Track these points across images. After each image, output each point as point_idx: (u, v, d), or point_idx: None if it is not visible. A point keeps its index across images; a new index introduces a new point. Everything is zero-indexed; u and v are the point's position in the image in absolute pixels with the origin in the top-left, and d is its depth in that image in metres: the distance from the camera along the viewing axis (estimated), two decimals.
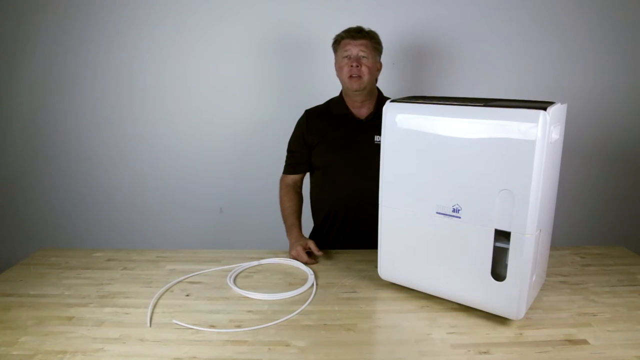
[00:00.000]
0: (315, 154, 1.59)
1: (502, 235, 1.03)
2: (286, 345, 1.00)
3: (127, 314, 1.12)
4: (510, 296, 1.04)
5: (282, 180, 1.68)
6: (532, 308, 1.13)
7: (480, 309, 1.11)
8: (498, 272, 1.07)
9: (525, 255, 1.01)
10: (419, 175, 1.12)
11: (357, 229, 1.58)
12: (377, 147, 1.52)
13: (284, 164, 1.69)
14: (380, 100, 1.60)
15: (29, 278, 1.31)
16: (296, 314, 1.12)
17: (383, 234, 1.22)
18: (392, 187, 1.18)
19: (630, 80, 2.17)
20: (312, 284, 1.27)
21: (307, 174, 1.69)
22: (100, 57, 2.15)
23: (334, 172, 1.56)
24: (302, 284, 1.26)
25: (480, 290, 1.09)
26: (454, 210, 1.08)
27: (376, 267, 1.36)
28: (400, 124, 1.14)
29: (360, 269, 1.37)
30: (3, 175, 2.29)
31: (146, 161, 2.26)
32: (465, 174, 1.05)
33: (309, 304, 1.17)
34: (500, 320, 1.09)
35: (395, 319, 1.12)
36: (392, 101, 1.17)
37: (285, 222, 1.58)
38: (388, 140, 1.16)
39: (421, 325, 1.08)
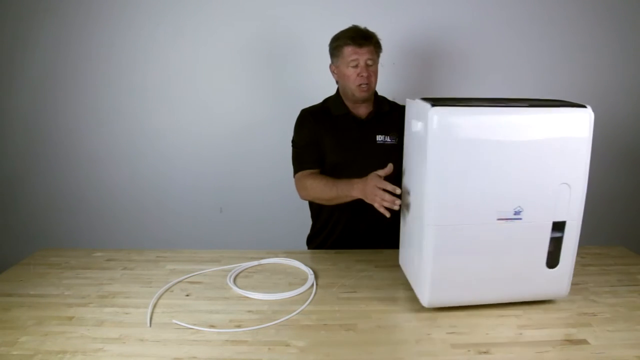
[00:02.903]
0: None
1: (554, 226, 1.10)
2: (286, 345, 1.00)
3: (127, 314, 1.12)
4: (561, 279, 1.13)
5: (300, 178, 1.52)
6: (532, 308, 1.14)
7: (531, 299, 1.15)
8: (549, 260, 1.12)
9: (575, 239, 1.11)
10: (476, 184, 1.04)
11: (360, 229, 1.57)
12: (380, 146, 1.53)
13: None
14: (377, 98, 1.59)
15: (29, 278, 1.31)
16: (296, 314, 1.12)
17: (433, 257, 1.07)
18: (443, 202, 1.05)
19: (631, 79, 2.17)
20: (312, 284, 1.27)
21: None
22: (101, 57, 2.15)
23: (338, 173, 1.54)
24: (302, 284, 1.26)
25: (533, 281, 1.12)
26: (515, 213, 1.06)
27: (376, 267, 1.36)
28: (451, 132, 1.01)
29: (360, 269, 1.37)
30: (3, 175, 2.29)
31: (146, 161, 2.26)
32: (526, 175, 1.05)
33: (309, 304, 1.17)
34: (500, 320, 1.09)
35: (395, 319, 1.12)
36: (435, 105, 1.02)
37: (337, 190, 1.39)
38: (436, 152, 1.02)
39: (421, 325, 1.08)
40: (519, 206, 1.06)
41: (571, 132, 1.06)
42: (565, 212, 1.09)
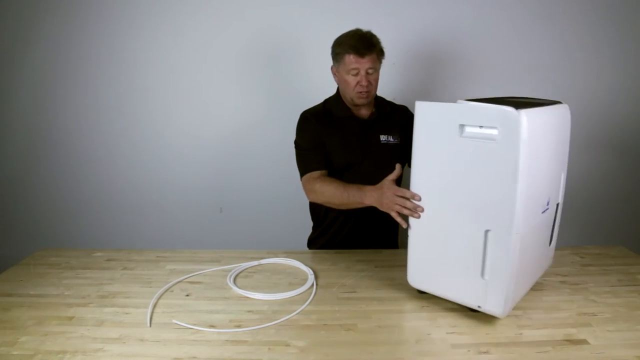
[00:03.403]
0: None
1: None
2: (286, 345, 1.00)
3: (127, 314, 1.12)
4: (552, 252, 1.27)
5: (308, 179, 1.50)
6: (532, 308, 1.14)
7: (539, 280, 1.24)
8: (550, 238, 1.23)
9: (559, 217, 1.23)
10: (535, 183, 1.03)
11: (364, 229, 1.57)
12: (385, 146, 1.53)
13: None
14: (378, 100, 1.59)
15: (29, 278, 1.31)
16: (296, 314, 1.12)
17: (517, 266, 1.02)
18: (525, 208, 0.99)
19: (631, 79, 2.17)
20: (312, 284, 1.27)
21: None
22: (101, 57, 2.15)
23: (345, 174, 1.53)
24: (302, 284, 1.26)
25: (542, 260, 1.21)
26: (547, 204, 1.13)
27: (376, 267, 1.37)
28: (533, 134, 0.97)
29: (360, 269, 1.37)
30: (3, 175, 2.29)
31: (146, 161, 2.26)
32: (552, 166, 1.13)
33: (309, 304, 1.17)
34: (500, 320, 1.09)
35: (395, 319, 1.12)
36: (519, 108, 0.95)
37: (349, 195, 1.36)
38: (526, 157, 0.96)
39: (421, 325, 1.08)
40: (549, 197, 1.13)
41: (566, 124, 1.18)
42: (560, 195, 1.21)
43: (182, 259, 1.44)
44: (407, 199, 1.15)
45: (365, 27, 1.49)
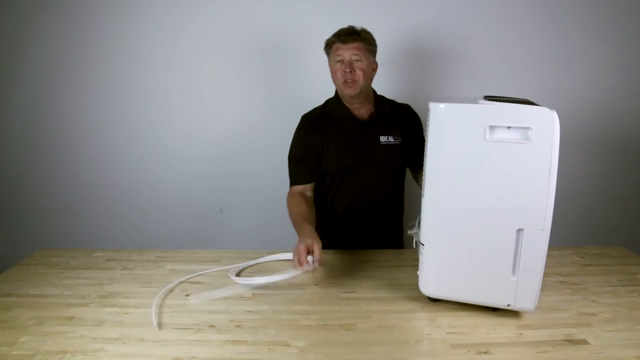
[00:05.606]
0: (325, 160, 1.54)
1: None
2: (286, 345, 1.00)
3: (127, 314, 1.12)
4: None
5: (290, 193, 1.55)
6: None
7: None
8: None
9: None
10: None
11: (367, 230, 1.57)
12: (384, 147, 1.53)
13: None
14: (377, 99, 1.58)
15: (29, 278, 1.31)
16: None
17: (544, 263, 1.03)
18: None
19: (633, 78, 2.17)
20: (312, 284, 1.26)
21: None
22: (101, 57, 2.15)
23: (346, 176, 1.54)
24: (302, 284, 1.26)
25: None
26: None
27: (376, 267, 1.36)
28: (558, 133, 0.98)
29: (360, 269, 1.37)
30: (3, 175, 2.29)
31: (146, 161, 2.26)
32: None
33: (309, 304, 1.17)
34: (500, 320, 1.09)
35: (395, 319, 1.11)
36: (550, 108, 0.98)
37: (295, 227, 1.41)
38: (556, 156, 0.98)
39: (421, 325, 1.08)
40: None
41: None
42: None
43: (182, 259, 1.44)
44: (306, 257, 1.19)
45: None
